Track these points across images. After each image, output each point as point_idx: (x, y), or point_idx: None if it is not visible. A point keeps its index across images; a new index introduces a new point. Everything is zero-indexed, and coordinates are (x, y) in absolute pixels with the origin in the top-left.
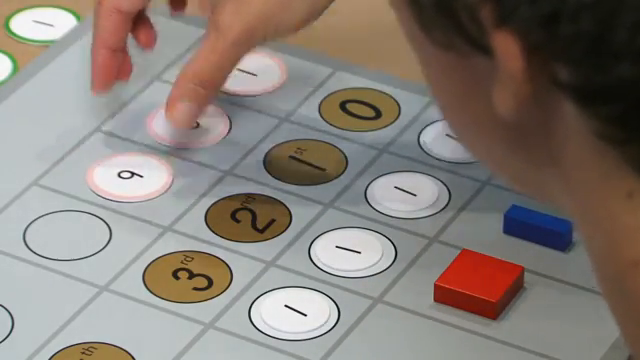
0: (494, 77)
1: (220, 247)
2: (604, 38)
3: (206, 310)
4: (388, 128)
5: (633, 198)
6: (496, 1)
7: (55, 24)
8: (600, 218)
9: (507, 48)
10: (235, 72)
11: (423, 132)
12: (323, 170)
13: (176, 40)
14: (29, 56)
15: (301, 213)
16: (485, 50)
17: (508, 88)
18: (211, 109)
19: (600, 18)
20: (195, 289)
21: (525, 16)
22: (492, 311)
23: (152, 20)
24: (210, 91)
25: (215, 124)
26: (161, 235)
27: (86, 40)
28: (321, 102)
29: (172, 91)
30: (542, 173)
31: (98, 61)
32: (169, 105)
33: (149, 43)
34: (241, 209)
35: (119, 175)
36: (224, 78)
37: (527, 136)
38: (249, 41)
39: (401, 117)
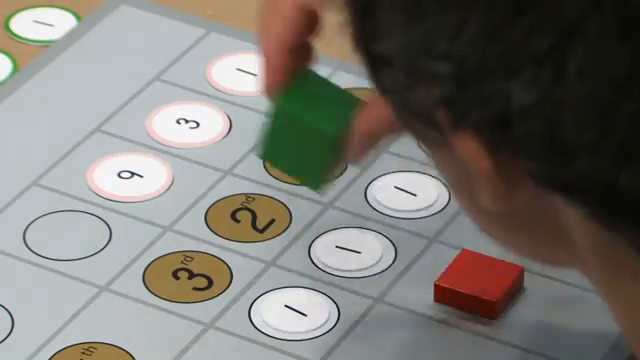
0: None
1: (220, 247)
2: (555, 136)
3: (206, 310)
4: None
5: (637, 276)
6: (448, 105)
7: (55, 24)
8: (619, 297)
9: (468, 149)
10: (235, 72)
11: None
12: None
13: (176, 40)
14: (29, 56)
15: (301, 213)
16: None
17: (482, 184)
18: (211, 109)
19: (546, 116)
20: (195, 289)
21: (478, 118)
22: (492, 311)
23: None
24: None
25: (215, 124)
26: (161, 235)
27: (86, 40)
28: None
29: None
30: (565, 259)
31: (273, 61)
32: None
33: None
34: (241, 209)
35: (119, 175)
36: None
37: (532, 227)
38: None
39: None
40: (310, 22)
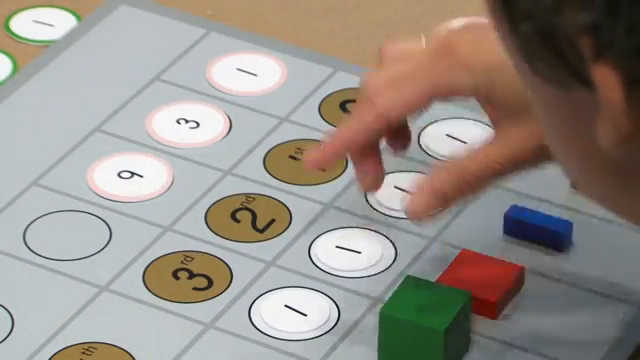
0: (596, 111)
1: (220, 247)
2: None
3: (206, 310)
4: None
5: None
6: (594, 32)
7: (55, 24)
8: None
9: (606, 80)
10: (235, 72)
11: (423, 132)
12: (323, 170)
13: (176, 40)
14: (29, 56)
15: (301, 213)
16: (587, 82)
17: (610, 122)
18: (211, 109)
19: None
20: (195, 289)
21: (623, 47)
22: (492, 311)
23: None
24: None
25: (215, 124)
26: (161, 235)
27: (86, 40)
28: (321, 102)
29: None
30: None
31: (336, 144)
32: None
33: (398, 150)
34: (241, 209)
35: (119, 175)
36: None
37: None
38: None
39: None
40: (385, 128)
